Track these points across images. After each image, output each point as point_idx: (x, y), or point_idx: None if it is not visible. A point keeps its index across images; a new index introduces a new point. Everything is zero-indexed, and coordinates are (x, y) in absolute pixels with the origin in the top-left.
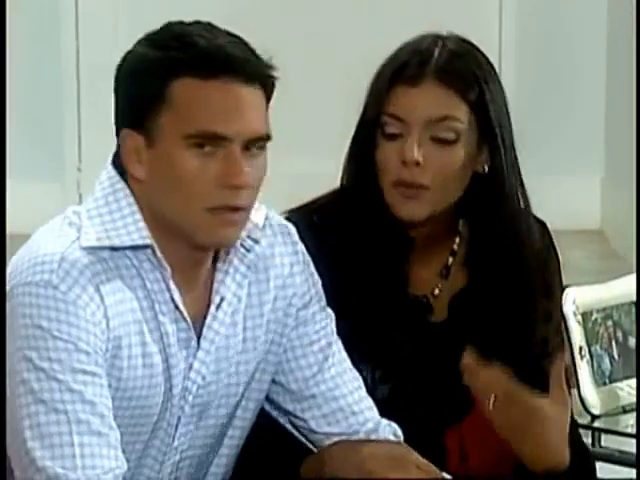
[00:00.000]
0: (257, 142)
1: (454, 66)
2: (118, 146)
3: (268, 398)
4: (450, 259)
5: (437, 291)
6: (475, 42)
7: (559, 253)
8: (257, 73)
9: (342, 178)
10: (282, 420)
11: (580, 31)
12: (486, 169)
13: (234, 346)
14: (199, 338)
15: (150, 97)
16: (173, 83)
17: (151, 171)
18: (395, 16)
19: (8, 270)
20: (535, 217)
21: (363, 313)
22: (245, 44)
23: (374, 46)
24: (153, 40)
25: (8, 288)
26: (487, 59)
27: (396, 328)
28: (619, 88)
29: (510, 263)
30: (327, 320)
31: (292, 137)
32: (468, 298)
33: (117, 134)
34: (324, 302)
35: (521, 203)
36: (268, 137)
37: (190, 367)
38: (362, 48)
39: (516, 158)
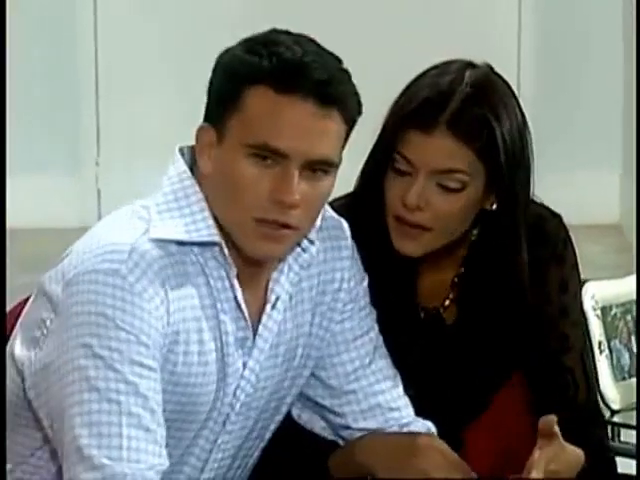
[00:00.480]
0: (321, 165)
1: (468, 115)
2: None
3: (302, 394)
4: (462, 269)
5: (447, 302)
6: (494, 37)
7: (578, 248)
8: (334, 97)
9: (354, 194)
10: (309, 415)
11: (598, 27)
12: (494, 207)
13: (284, 343)
14: (254, 336)
15: (227, 98)
16: (249, 89)
17: (215, 169)
18: (413, 16)
19: (69, 258)
20: (551, 210)
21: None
22: (339, 68)
23: (390, 47)
24: (247, 43)
25: (70, 275)
26: (506, 86)
27: (406, 335)
28: (637, 84)
29: (519, 264)
30: (371, 316)
31: None
32: (479, 298)
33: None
34: (368, 298)
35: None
36: (334, 164)
37: (244, 366)
38: (379, 49)
39: (528, 190)
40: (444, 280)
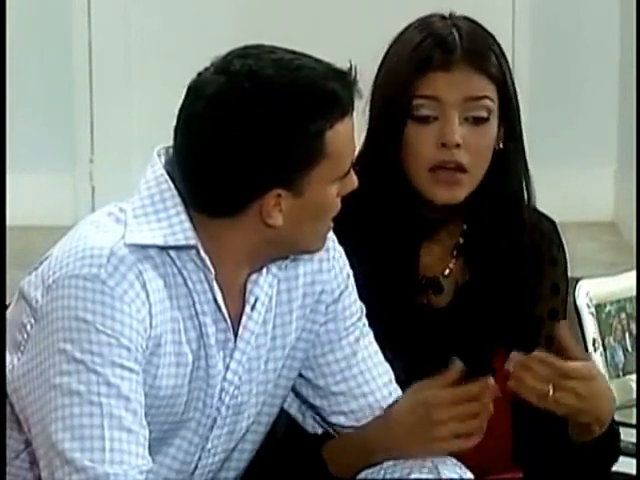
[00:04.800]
0: None
1: (477, 48)
2: (196, 161)
3: (296, 394)
4: (461, 240)
5: (447, 271)
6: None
7: (572, 245)
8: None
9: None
10: (303, 414)
11: (594, 22)
12: (501, 145)
13: (264, 344)
14: (235, 338)
15: (309, 155)
16: (327, 135)
17: (290, 218)
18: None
19: (48, 262)
20: (545, 216)
21: (374, 295)
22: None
23: (385, 38)
24: (278, 91)
25: (49, 281)
26: (492, 35)
27: (405, 310)
28: (633, 79)
29: (515, 256)
30: (358, 314)
31: None
32: (474, 288)
33: (250, 190)
34: (355, 296)
35: (525, 191)
36: None
37: (227, 368)
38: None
39: (522, 139)
40: (443, 250)
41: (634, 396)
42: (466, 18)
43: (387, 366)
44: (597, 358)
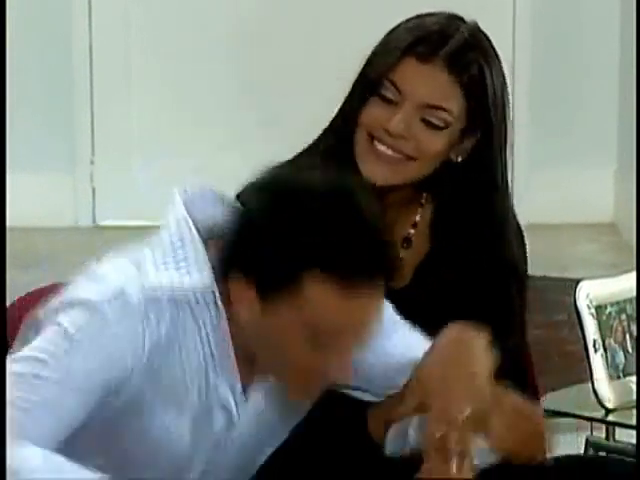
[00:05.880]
0: None
1: (465, 56)
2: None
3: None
4: (411, 231)
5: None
6: (488, 34)
7: (572, 246)
8: None
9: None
10: None
11: (594, 22)
12: (459, 159)
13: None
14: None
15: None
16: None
17: (257, 323)
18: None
19: (64, 291)
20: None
21: None
22: None
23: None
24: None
25: (60, 300)
26: (495, 52)
27: None
28: (633, 79)
29: (470, 240)
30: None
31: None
32: (430, 267)
33: (225, 270)
34: None
35: (500, 201)
36: None
37: (233, 423)
38: (373, 40)
39: (504, 150)
40: (395, 240)
41: (634, 397)
42: (479, 29)
43: (417, 333)
44: (598, 359)
